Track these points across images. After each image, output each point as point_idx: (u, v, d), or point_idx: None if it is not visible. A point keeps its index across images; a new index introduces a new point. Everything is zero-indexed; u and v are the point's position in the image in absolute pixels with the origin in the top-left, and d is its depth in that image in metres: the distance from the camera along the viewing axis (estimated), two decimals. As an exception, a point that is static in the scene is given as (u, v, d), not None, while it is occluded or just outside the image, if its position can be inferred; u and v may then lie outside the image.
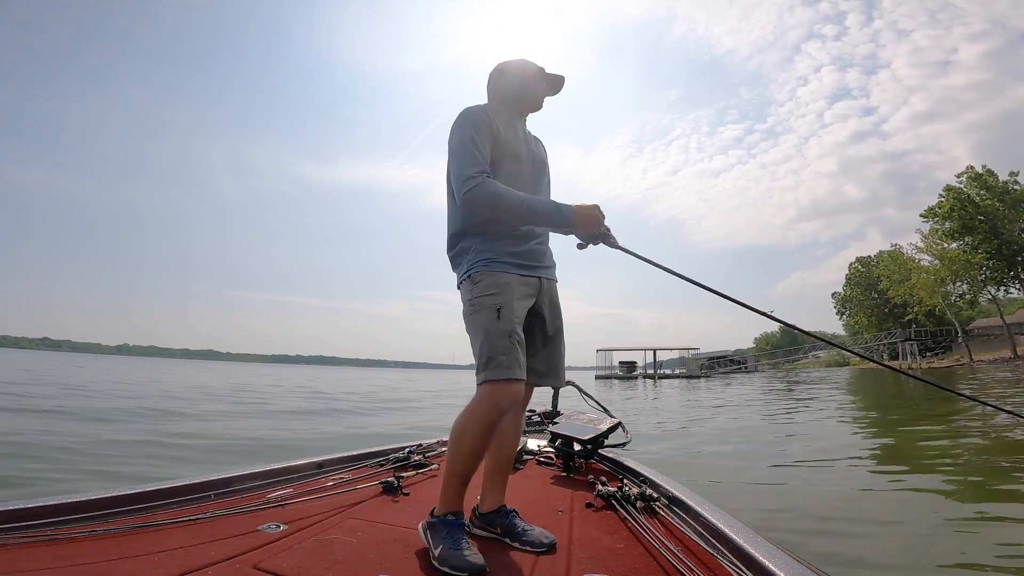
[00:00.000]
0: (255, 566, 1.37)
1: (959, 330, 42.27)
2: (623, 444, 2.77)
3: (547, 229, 1.80)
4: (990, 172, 38.27)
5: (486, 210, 1.62)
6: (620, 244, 1.69)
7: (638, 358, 45.46)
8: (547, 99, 1.91)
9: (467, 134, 1.65)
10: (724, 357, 51.47)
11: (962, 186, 38.70)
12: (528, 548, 1.60)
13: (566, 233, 1.75)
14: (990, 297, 41.10)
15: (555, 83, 1.87)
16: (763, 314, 1.85)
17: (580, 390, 3.51)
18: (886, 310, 54.31)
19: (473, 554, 1.45)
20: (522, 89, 1.83)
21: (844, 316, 63.46)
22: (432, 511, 1.58)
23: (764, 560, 1.25)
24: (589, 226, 1.64)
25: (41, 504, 1.53)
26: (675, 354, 51.04)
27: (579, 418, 2.91)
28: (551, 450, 2.87)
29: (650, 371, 43.22)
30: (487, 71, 1.91)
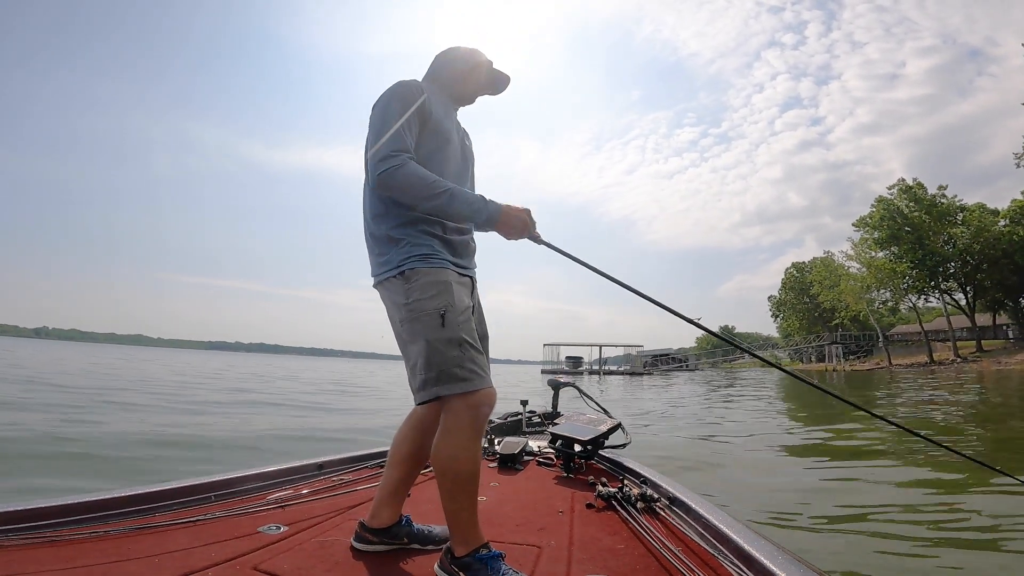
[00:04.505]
0: (256, 567, 1.37)
1: (880, 335, 46.08)
2: (623, 445, 2.83)
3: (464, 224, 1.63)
4: (920, 185, 41.89)
5: (402, 195, 1.45)
6: (544, 240, 1.59)
7: (584, 354, 46.79)
8: (504, 94, 1.83)
9: (395, 108, 1.49)
10: (667, 355, 53.92)
11: (893, 197, 42.09)
12: (441, 545, 1.55)
13: (485, 231, 1.64)
14: (911, 305, 44.99)
15: (498, 82, 1.79)
16: (690, 321, 1.82)
17: (580, 391, 3.58)
18: (816, 314, 58.49)
19: None
20: (465, 77, 1.72)
21: (778, 319, 67.54)
22: (449, 552, 1.43)
23: (765, 561, 1.28)
24: (515, 230, 1.53)
25: (42, 505, 1.52)
26: (620, 351, 52.72)
27: (579, 419, 2.97)
28: (551, 451, 2.92)
29: (595, 367, 44.35)
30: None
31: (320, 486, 2.17)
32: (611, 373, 43.45)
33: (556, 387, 3.80)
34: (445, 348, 1.40)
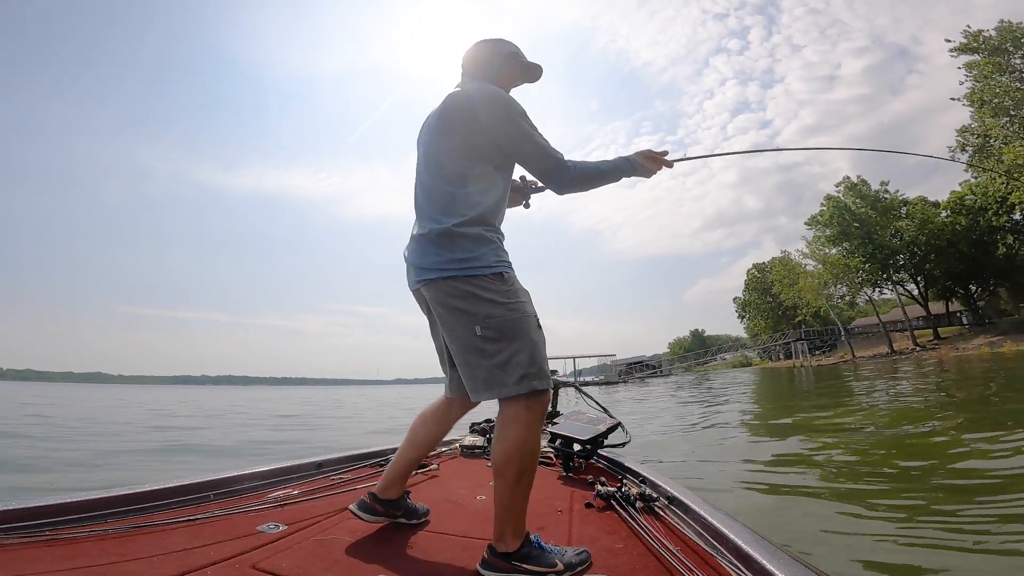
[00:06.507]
0: (255, 566, 1.38)
1: (842, 329, 47.80)
2: (623, 444, 2.83)
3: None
4: (864, 182, 44.02)
5: (584, 186, 1.68)
6: (677, 157, 1.90)
7: (559, 366, 47.02)
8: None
9: (527, 116, 1.62)
10: (640, 362, 54.56)
11: (840, 195, 44.06)
12: (424, 519, 1.84)
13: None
14: (867, 298, 46.87)
15: (534, 70, 1.85)
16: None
17: (580, 391, 3.58)
18: (779, 312, 60.29)
19: (573, 549, 1.54)
20: (506, 71, 1.77)
21: (744, 319, 69.31)
22: (494, 552, 1.45)
23: (764, 561, 1.29)
24: (654, 170, 1.85)
25: (41, 504, 1.52)
26: (594, 361, 53.14)
27: (579, 418, 2.98)
28: (551, 450, 2.91)
29: (571, 378, 44.46)
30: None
31: (319, 485, 2.16)
32: (586, 384, 43.59)
33: (555, 386, 3.79)
34: (543, 349, 1.54)
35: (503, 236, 1.65)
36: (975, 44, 32.55)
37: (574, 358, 47.08)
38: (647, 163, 1.83)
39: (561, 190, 1.67)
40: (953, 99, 34.90)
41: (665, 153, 1.87)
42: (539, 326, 1.56)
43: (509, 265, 1.59)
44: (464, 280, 1.51)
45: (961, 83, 34.13)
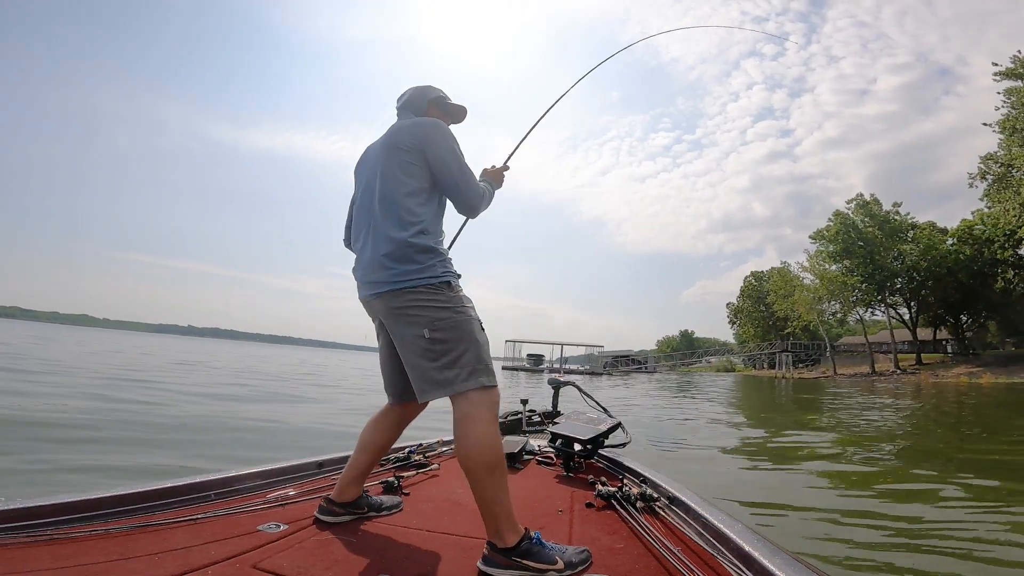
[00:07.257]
0: (255, 566, 1.38)
1: (828, 345, 48.22)
2: (623, 444, 2.86)
3: None
4: (876, 200, 43.73)
5: (484, 208, 1.89)
6: (505, 163, 2.18)
7: (546, 352, 47.36)
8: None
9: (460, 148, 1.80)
10: (627, 357, 54.97)
11: (850, 212, 43.91)
12: (394, 511, 1.93)
13: None
14: (858, 317, 47.16)
15: (459, 113, 2.04)
16: None
17: (580, 390, 3.60)
18: (770, 323, 60.64)
19: (574, 548, 1.56)
20: (442, 115, 1.97)
21: (735, 325, 69.65)
22: (497, 548, 1.47)
23: (764, 561, 1.30)
24: (502, 181, 2.09)
25: (41, 504, 1.52)
26: (581, 350, 53.42)
27: (579, 418, 2.99)
28: (551, 450, 2.92)
29: (556, 365, 44.81)
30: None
31: (320, 485, 2.15)
32: (571, 372, 44.00)
33: (556, 386, 3.82)
34: (487, 349, 1.67)
35: (443, 243, 1.82)
36: (1021, 70, 31.51)
37: (562, 345, 47.30)
38: (495, 179, 2.05)
39: (473, 213, 1.87)
40: (985, 124, 33.86)
41: (495, 165, 2.13)
42: (483, 329, 1.69)
43: (455, 275, 1.72)
44: (413, 291, 1.63)
45: (997, 108, 33.07)
